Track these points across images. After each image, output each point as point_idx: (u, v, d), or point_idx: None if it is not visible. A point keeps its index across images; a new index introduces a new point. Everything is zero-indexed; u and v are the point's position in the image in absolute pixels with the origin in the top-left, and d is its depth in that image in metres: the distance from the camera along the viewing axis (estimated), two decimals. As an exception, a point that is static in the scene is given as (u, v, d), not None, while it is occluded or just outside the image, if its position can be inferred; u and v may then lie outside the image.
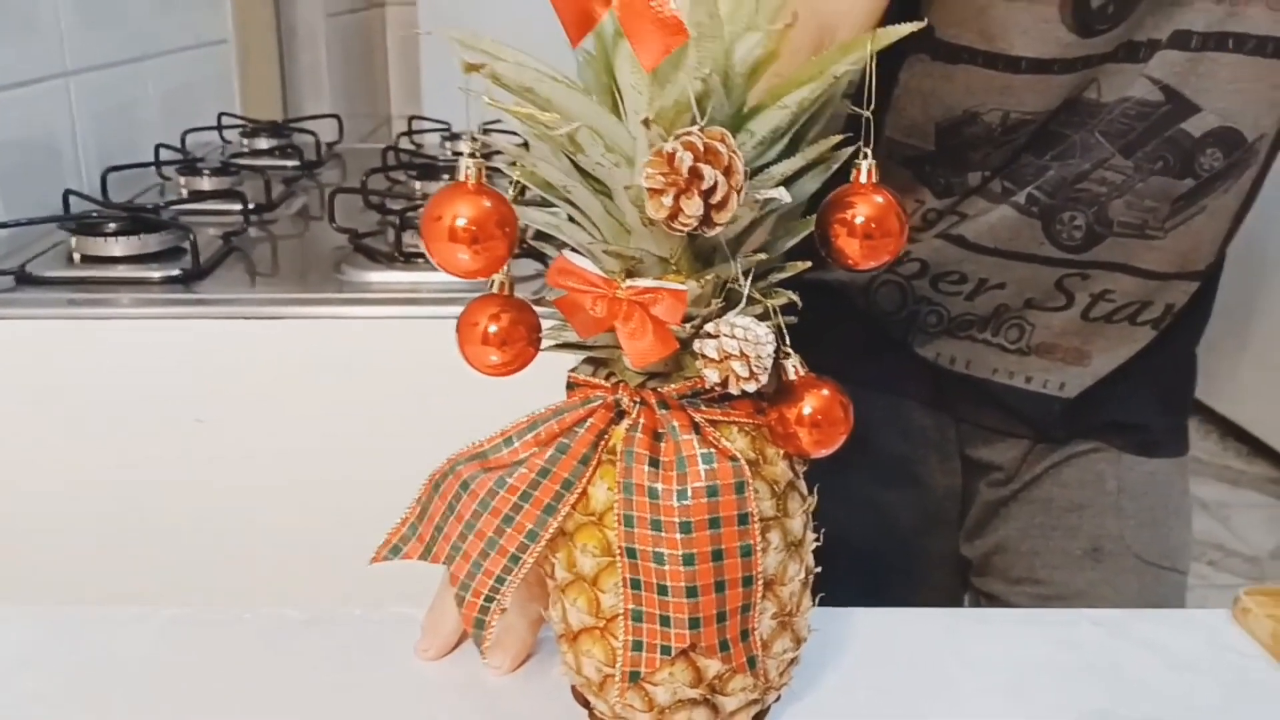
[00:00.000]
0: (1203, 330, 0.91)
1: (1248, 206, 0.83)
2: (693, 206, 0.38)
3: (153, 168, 1.20)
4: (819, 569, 0.53)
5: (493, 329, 0.47)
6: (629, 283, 0.43)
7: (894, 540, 0.95)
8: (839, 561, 1.00)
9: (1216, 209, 0.80)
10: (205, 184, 1.14)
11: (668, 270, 0.45)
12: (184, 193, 1.14)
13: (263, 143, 1.39)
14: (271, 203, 1.13)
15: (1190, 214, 0.80)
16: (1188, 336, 0.89)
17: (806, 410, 0.47)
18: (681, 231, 0.40)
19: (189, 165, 1.16)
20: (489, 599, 0.48)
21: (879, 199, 0.45)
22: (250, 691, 0.56)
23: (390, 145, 1.29)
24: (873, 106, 0.46)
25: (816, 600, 0.52)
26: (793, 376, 0.47)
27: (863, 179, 0.45)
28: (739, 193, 0.39)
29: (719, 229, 0.40)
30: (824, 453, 0.48)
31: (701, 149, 0.38)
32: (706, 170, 0.38)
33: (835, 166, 0.46)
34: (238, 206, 1.05)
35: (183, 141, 1.33)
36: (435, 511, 0.50)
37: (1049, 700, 0.56)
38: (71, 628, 0.61)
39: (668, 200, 0.39)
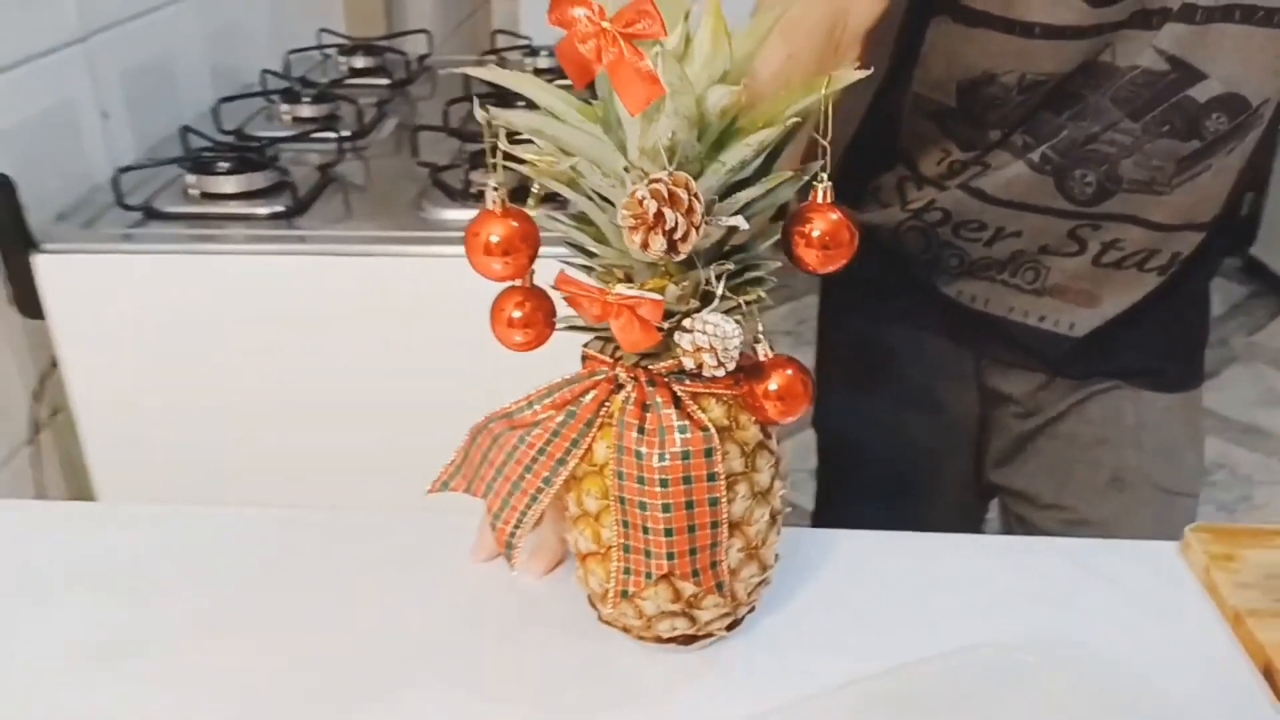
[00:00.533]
0: (1214, 272, 0.97)
1: (1253, 165, 0.87)
2: (658, 243, 0.48)
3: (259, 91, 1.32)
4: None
5: (517, 314, 0.57)
6: (618, 289, 0.53)
7: (913, 459, 1.05)
8: (863, 477, 1.11)
9: (1222, 168, 0.85)
10: (306, 111, 1.26)
11: (657, 273, 0.54)
12: (287, 119, 1.26)
13: (359, 61, 1.49)
14: (364, 129, 1.24)
15: (1196, 172, 0.85)
16: (1198, 279, 0.95)
17: (772, 386, 0.57)
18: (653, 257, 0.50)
19: (291, 93, 1.28)
20: (516, 526, 0.60)
21: (833, 216, 0.54)
22: (334, 580, 0.70)
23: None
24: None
25: (778, 519, 0.62)
26: (762, 358, 0.57)
27: (819, 199, 0.54)
28: (698, 228, 0.49)
29: (683, 255, 0.49)
30: (788, 420, 0.58)
31: (666, 195, 0.48)
32: (668, 214, 0.48)
33: (802, 182, 0.55)
34: (334, 135, 1.16)
35: (286, 64, 1.45)
36: (474, 457, 0.62)
37: (1002, 624, 0.65)
38: (202, 524, 0.76)
39: (638, 237, 0.48)
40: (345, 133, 1.20)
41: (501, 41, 1.55)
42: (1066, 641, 0.63)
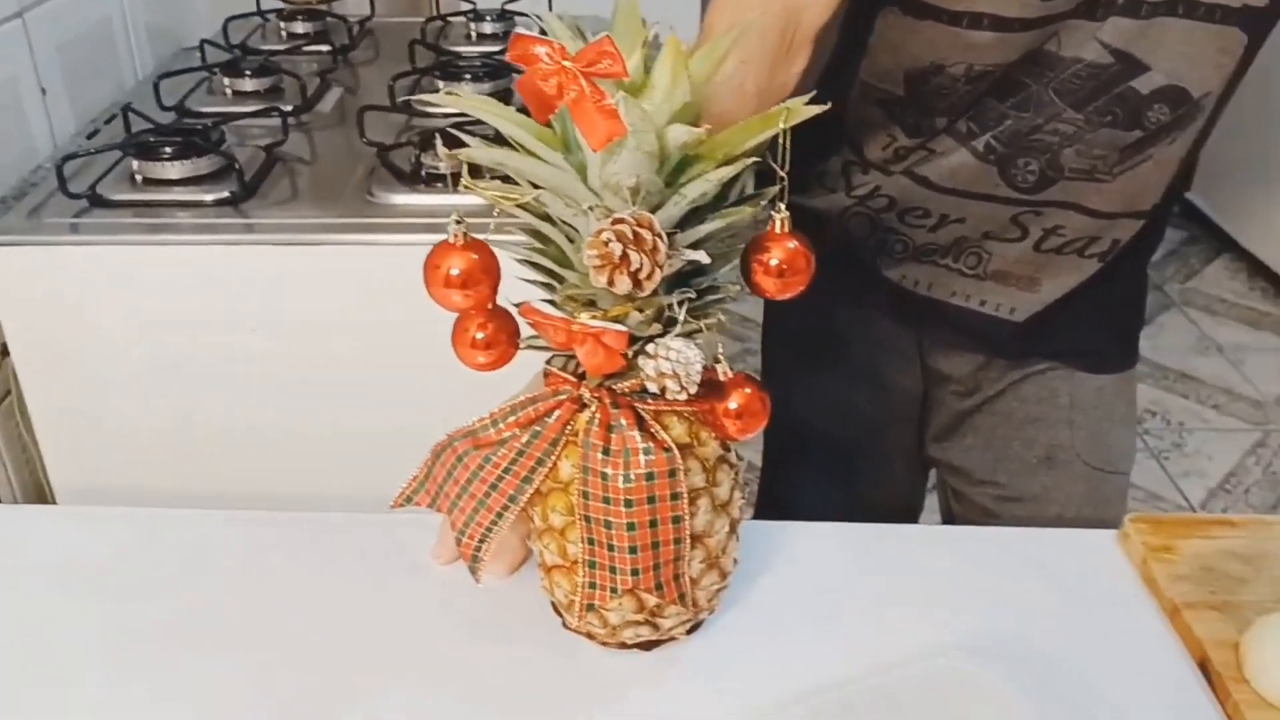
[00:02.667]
0: (1151, 255, 1.00)
1: (1194, 155, 0.90)
2: (623, 283, 0.49)
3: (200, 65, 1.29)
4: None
5: (480, 335, 0.58)
6: (582, 318, 0.54)
7: (860, 433, 1.08)
8: (814, 451, 1.14)
9: (1163, 158, 0.87)
10: (248, 85, 1.23)
11: (620, 299, 0.55)
12: (229, 93, 1.24)
13: (299, 26, 1.46)
14: (307, 102, 1.22)
15: (1137, 162, 0.87)
16: (1135, 262, 0.97)
17: (732, 405, 0.58)
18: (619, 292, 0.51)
19: (232, 66, 1.25)
20: (481, 542, 0.61)
21: (791, 244, 0.55)
22: (302, 582, 0.71)
23: (416, 38, 1.36)
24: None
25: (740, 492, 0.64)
26: (722, 378, 0.58)
27: (777, 230, 0.55)
28: (661, 267, 0.50)
29: (648, 291, 0.50)
30: (747, 437, 0.59)
31: (631, 236, 0.48)
32: (633, 255, 0.48)
33: (756, 209, 0.56)
34: (277, 113, 1.14)
35: (225, 31, 1.41)
36: (438, 474, 0.62)
37: (946, 619, 0.68)
38: (165, 526, 0.76)
39: (604, 276, 0.49)
40: (288, 107, 1.19)
41: (445, 5, 1.52)
42: (1012, 641, 0.66)
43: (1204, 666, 0.64)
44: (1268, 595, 0.68)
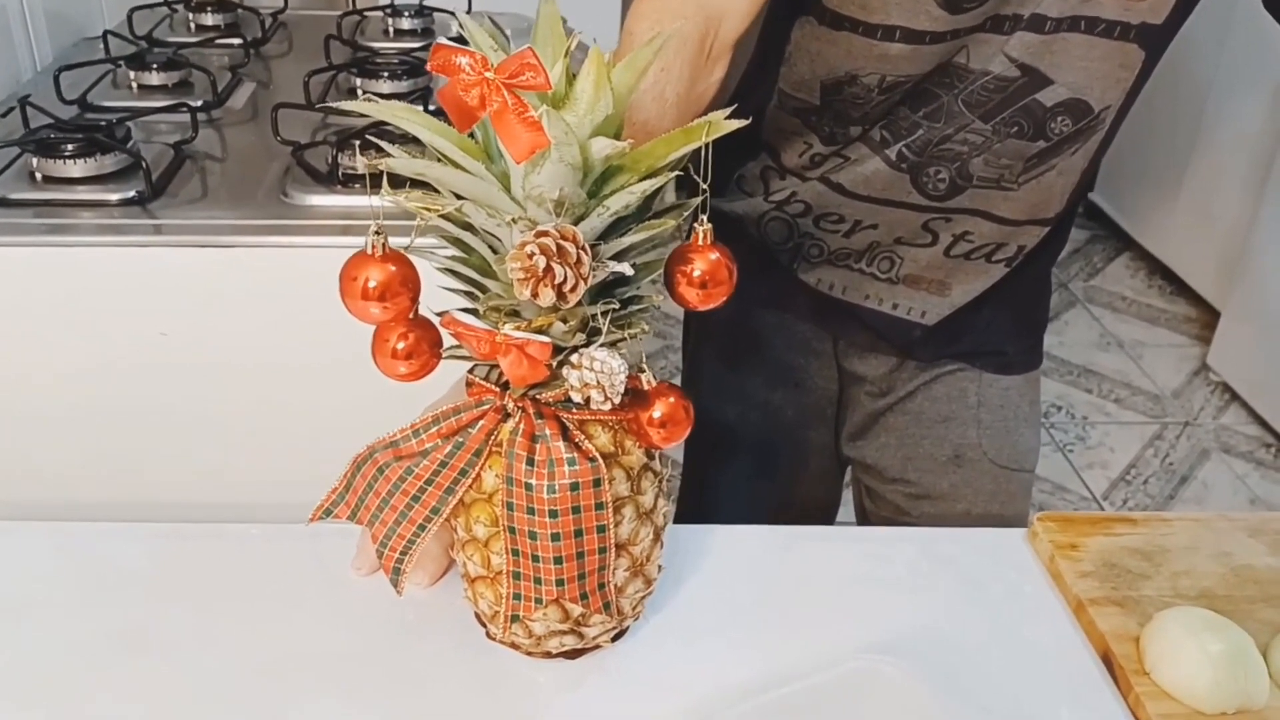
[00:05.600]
0: (1054, 261, 1.03)
1: (1095, 165, 0.93)
2: (547, 296, 0.49)
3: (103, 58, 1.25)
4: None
5: (401, 346, 0.58)
6: (506, 329, 0.53)
7: (780, 431, 1.10)
8: (736, 448, 1.15)
9: (1065, 167, 0.90)
10: (154, 79, 1.20)
11: (544, 310, 0.55)
12: (135, 87, 1.20)
13: (209, 18, 1.42)
14: (218, 98, 1.19)
15: (1041, 171, 0.90)
16: (1039, 267, 1.01)
17: (656, 414, 0.58)
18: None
19: (138, 59, 1.21)
20: (403, 554, 0.61)
21: (713, 255, 0.56)
22: (220, 597, 0.69)
23: (332, 33, 1.34)
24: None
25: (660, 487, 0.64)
26: (646, 388, 0.59)
27: (700, 241, 0.56)
28: (585, 279, 0.50)
29: (571, 304, 0.51)
30: (671, 445, 0.60)
31: (555, 249, 0.49)
32: (558, 268, 0.48)
33: (678, 221, 0.56)
34: (186, 109, 1.11)
35: (130, 21, 1.37)
36: (358, 486, 0.62)
37: (858, 610, 0.70)
38: (77, 540, 0.74)
39: (527, 290, 0.49)
40: (198, 102, 1.16)
41: (362, 1, 1.50)
42: (925, 638, 0.67)
43: (1107, 660, 0.66)
44: (1166, 590, 0.71)
